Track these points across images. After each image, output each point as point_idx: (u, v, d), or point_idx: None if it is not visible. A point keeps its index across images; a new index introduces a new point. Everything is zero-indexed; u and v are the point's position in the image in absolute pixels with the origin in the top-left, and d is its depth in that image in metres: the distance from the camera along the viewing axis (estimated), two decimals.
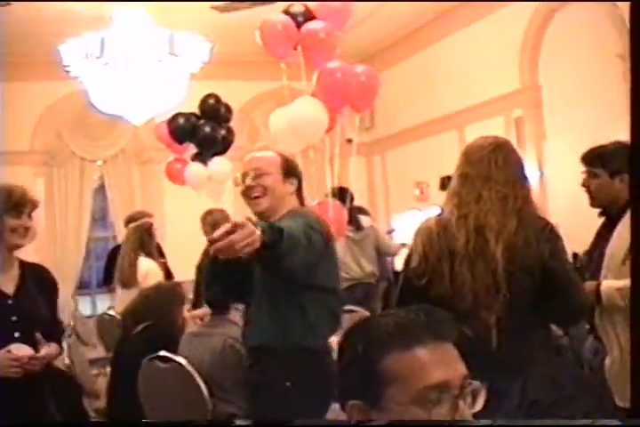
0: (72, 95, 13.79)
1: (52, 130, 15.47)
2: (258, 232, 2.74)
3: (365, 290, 8.56)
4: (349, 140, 7.30)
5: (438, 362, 1.61)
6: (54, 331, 3.79)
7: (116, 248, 8.50)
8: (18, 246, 3.66)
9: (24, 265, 3.78)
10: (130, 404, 4.75)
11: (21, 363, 3.43)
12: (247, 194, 3.82)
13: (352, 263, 8.50)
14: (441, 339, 1.65)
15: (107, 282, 8.56)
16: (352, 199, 7.54)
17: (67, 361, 6.01)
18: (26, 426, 3.51)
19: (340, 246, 7.58)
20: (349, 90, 6.13)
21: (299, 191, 3.96)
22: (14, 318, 3.54)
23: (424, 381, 1.60)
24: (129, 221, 8.20)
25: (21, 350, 3.47)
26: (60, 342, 3.84)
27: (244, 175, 3.81)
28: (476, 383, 1.67)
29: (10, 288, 3.63)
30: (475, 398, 1.67)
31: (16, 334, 3.50)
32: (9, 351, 3.44)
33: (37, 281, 3.76)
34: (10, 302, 3.58)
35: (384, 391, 1.63)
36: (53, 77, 11.61)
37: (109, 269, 8.36)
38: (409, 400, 1.60)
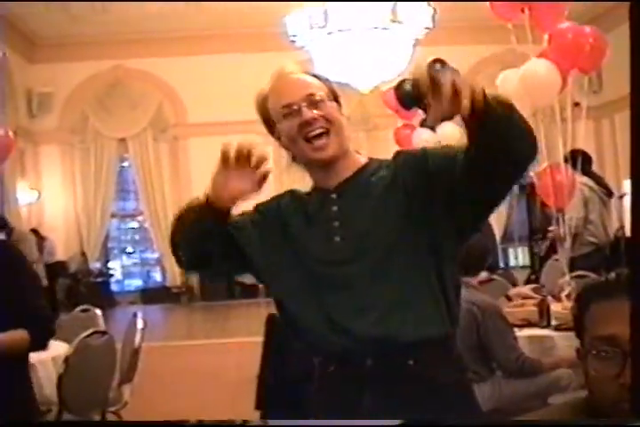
0: (297, 64, 14.15)
1: None
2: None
3: (600, 258, 7.65)
4: (577, 104, 7.13)
5: (612, 317, 1.67)
6: (22, 317, 3.30)
7: None
8: None
9: None
10: None
11: None
12: (304, 133, 2.48)
13: (600, 227, 7.68)
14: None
15: None
16: (589, 162, 7.34)
17: None
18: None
19: (594, 207, 7.39)
20: (580, 52, 5.98)
21: None
22: None
23: (594, 332, 1.72)
24: None
25: None
26: (33, 330, 3.30)
27: (290, 107, 2.50)
28: None
29: None
30: None
31: None
32: None
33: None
34: None
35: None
36: (279, 48, 11.86)
37: None
38: (586, 350, 1.73)
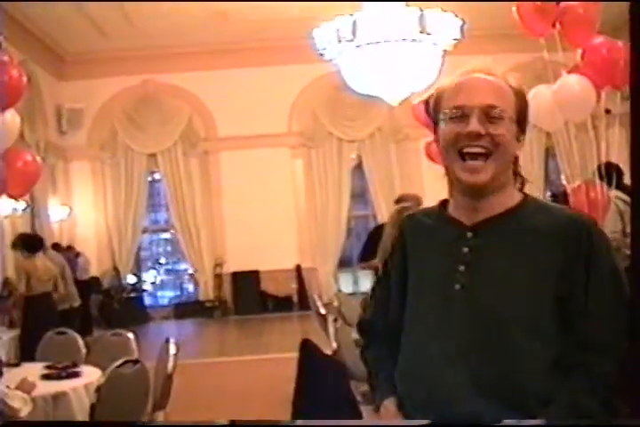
0: (325, 77, 14.09)
1: (308, 112, 15.90)
2: None
3: None
4: (608, 111, 7.01)
5: None
6: None
7: (378, 227, 8.60)
8: None
9: None
10: None
11: None
12: (460, 145, 2.11)
13: None
14: None
15: (364, 259, 8.66)
16: (622, 175, 7.21)
17: (334, 345, 6.11)
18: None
19: (629, 219, 7.27)
20: (615, 68, 5.87)
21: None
22: None
23: None
24: (397, 201, 8.32)
25: None
26: None
27: (462, 110, 2.11)
28: None
29: None
30: None
31: None
32: None
33: None
34: None
35: None
36: (307, 61, 11.83)
37: (369, 246, 8.45)
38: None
